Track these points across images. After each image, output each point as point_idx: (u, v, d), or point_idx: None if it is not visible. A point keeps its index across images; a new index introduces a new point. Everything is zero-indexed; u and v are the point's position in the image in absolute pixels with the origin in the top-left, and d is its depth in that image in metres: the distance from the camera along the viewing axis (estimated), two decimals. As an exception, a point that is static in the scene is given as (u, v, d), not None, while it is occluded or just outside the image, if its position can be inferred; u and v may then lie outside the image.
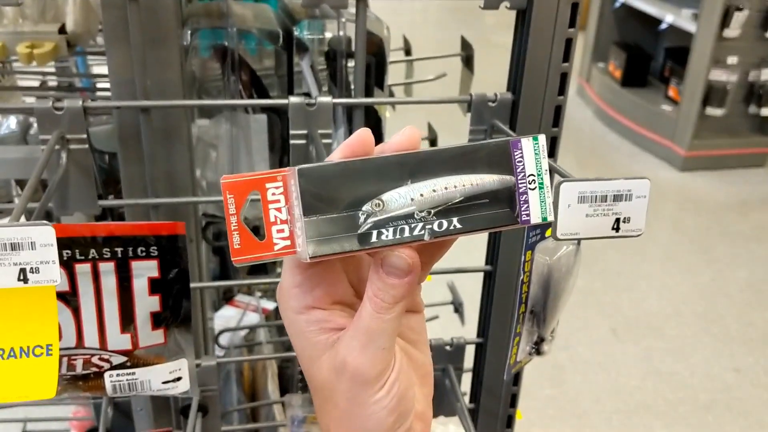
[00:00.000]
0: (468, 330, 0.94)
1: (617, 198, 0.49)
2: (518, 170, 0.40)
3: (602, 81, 4.55)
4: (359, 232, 0.38)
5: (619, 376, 2.45)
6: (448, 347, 0.82)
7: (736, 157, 3.91)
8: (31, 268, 0.43)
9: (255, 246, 0.38)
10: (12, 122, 0.92)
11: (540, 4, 0.63)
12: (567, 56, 0.65)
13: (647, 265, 3.09)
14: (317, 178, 0.37)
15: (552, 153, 0.69)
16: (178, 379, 0.59)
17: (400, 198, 0.38)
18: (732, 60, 3.69)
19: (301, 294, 0.42)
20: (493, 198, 0.39)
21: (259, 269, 1.22)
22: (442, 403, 0.83)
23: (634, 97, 4.24)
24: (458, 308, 1.17)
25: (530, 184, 0.40)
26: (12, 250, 0.43)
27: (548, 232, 0.56)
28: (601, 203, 0.49)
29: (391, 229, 0.38)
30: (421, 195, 0.38)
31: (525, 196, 0.40)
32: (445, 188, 0.39)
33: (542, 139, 0.40)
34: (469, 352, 0.85)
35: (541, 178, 0.40)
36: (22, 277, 0.43)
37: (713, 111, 3.78)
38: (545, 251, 0.55)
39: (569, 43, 0.65)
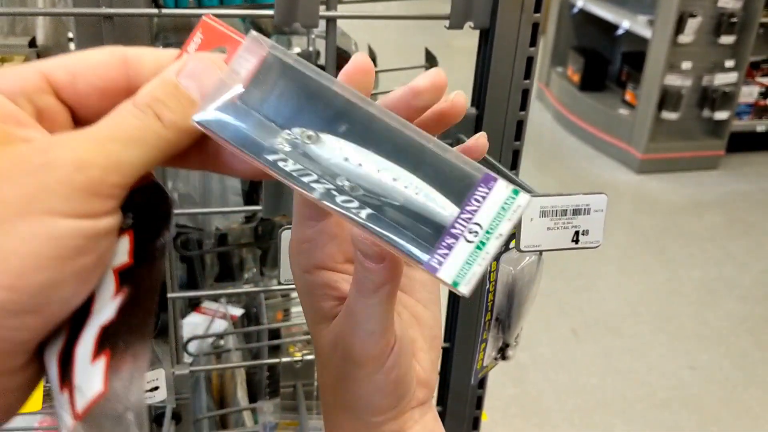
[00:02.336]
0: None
1: (576, 212, 0.52)
2: (467, 208, 0.31)
3: (561, 85, 4.63)
4: (267, 144, 0.32)
5: (580, 375, 2.51)
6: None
7: (690, 159, 4.02)
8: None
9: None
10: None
11: (502, 24, 0.66)
12: (528, 73, 0.69)
13: (605, 266, 3.16)
14: (280, 70, 0.32)
15: (515, 165, 0.72)
16: (155, 388, 0.60)
17: (337, 150, 0.32)
18: (686, 65, 3.79)
19: (311, 250, 0.39)
20: (420, 219, 0.31)
21: (228, 277, 1.23)
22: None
23: (592, 101, 4.33)
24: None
25: (469, 233, 0.30)
26: None
27: (512, 242, 0.59)
28: (561, 217, 0.52)
29: (291, 162, 0.31)
30: (360, 164, 0.31)
31: (453, 241, 0.30)
32: (393, 179, 0.31)
33: (523, 199, 0.31)
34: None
35: (487, 239, 0.30)
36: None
37: (668, 115, 3.88)
38: (509, 261, 0.58)
39: (530, 61, 0.68)
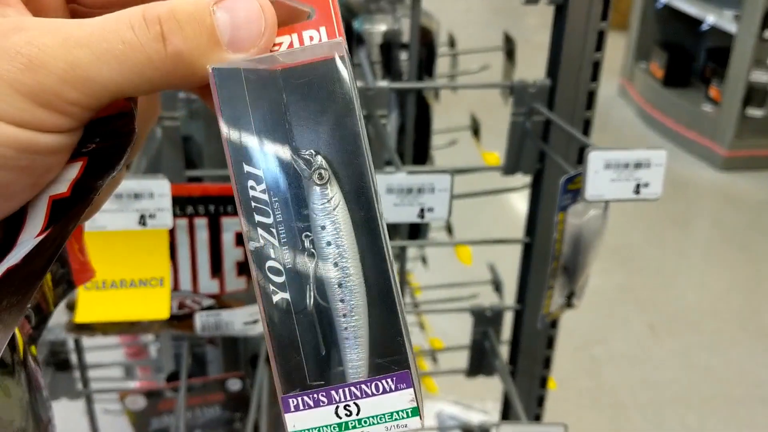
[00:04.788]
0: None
1: (638, 166, 0.58)
2: (363, 385, 0.27)
3: (644, 81, 4.57)
4: (257, 153, 0.26)
5: (655, 370, 2.50)
6: (487, 313, 0.90)
7: (776, 157, 3.91)
8: (149, 214, 0.53)
9: None
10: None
11: None
12: (599, 46, 0.74)
13: (686, 263, 3.12)
14: (337, 85, 0.27)
15: (585, 132, 0.77)
16: (256, 321, 0.68)
17: (328, 211, 0.27)
18: (773, 61, 3.70)
19: None
20: (319, 355, 0.27)
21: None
22: (482, 363, 0.92)
23: (676, 97, 4.26)
24: (498, 287, 1.25)
25: (344, 408, 0.27)
26: (135, 198, 0.52)
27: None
28: (623, 170, 0.58)
29: (260, 188, 0.26)
30: (329, 243, 0.27)
31: (325, 401, 0.27)
32: (338, 285, 0.27)
33: (413, 422, 0.27)
34: (507, 325, 0.93)
35: (353, 426, 0.27)
36: (141, 222, 0.53)
37: (754, 112, 3.79)
38: (576, 214, 0.63)
39: (601, 35, 0.73)
